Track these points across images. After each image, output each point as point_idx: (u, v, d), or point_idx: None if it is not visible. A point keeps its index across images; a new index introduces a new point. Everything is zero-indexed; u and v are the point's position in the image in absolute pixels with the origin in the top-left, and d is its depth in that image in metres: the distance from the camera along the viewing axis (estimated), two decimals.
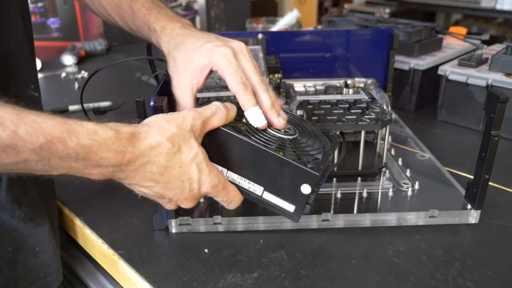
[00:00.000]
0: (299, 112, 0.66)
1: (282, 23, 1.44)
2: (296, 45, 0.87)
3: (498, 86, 0.82)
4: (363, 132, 0.65)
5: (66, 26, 1.54)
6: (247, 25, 1.50)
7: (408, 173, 0.68)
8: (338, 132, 0.62)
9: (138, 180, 0.45)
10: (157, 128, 0.45)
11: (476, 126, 0.89)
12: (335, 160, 0.63)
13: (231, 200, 0.50)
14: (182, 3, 1.78)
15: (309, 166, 0.47)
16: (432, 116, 0.95)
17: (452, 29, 1.17)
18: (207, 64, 0.51)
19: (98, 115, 0.79)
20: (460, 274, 0.50)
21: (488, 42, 1.10)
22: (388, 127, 0.67)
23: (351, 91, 0.76)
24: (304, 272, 0.50)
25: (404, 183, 0.65)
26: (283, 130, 0.52)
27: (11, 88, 0.53)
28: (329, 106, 0.67)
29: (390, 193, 0.63)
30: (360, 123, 0.63)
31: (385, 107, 0.69)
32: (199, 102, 0.59)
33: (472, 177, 0.59)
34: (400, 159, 0.72)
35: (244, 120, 0.51)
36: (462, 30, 1.14)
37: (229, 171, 0.51)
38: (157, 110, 0.49)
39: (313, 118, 0.63)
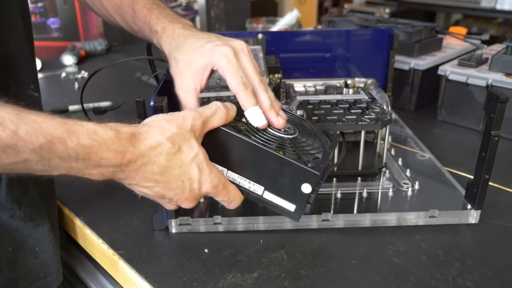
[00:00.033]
0: (299, 112, 0.66)
1: (282, 23, 1.44)
2: (296, 45, 0.87)
3: (498, 86, 0.82)
4: (363, 132, 0.65)
5: (66, 26, 1.54)
6: (247, 25, 1.50)
7: (408, 173, 0.68)
8: (338, 132, 0.62)
9: (139, 181, 0.45)
10: (157, 128, 0.45)
11: (476, 126, 0.89)
12: (335, 160, 0.63)
13: (232, 200, 0.50)
14: (182, 3, 1.78)
15: (309, 165, 0.48)
16: (432, 116, 0.95)
17: (452, 29, 1.17)
18: (208, 64, 0.51)
19: (98, 115, 0.79)
20: (460, 274, 0.50)
21: (488, 42, 1.10)
22: (388, 127, 0.67)
23: (351, 91, 0.76)
24: (304, 272, 0.50)
25: (404, 183, 0.65)
26: (283, 130, 0.52)
27: (11, 88, 0.53)
28: (329, 106, 0.67)
29: (390, 193, 0.63)
30: (360, 123, 0.63)
31: (385, 107, 0.69)
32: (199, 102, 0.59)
33: (472, 177, 0.59)
34: (400, 159, 0.72)
35: (244, 120, 0.51)
36: (462, 30, 1.14)
37: (229, 171, 0.51)
38: (157, 110, 0.49)
39: (313, 118, 0.63)
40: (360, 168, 0.67)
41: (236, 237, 0.56)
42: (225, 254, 0.53)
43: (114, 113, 0.76)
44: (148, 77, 1.12)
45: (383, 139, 0.70)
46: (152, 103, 0.50)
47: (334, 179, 0.66)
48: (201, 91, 0.53)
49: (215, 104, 0.49)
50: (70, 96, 1.08)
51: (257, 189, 0.50)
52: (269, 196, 0.50)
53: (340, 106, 0.67)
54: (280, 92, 0.76)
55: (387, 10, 2.46)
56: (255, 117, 0.50)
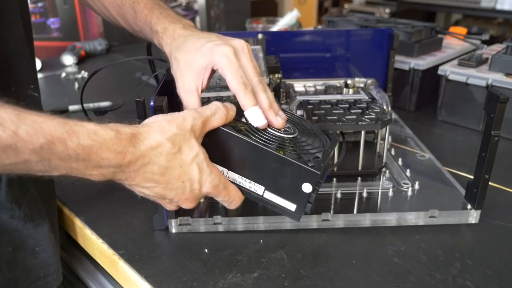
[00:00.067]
0: (299, 112, 0.66)
1: (282, 23, 1.44)
2: (296, 45, 0.87)
3: (498, 86, 0.82)
4: (363, 132, 0.65)
5: (66, 26, 1.54)
6: (247, 25, 1.50)
7: (408, 173, 0.68)
8: (338, 132, 0.62)
9: (139, 181, 0.45)
10: (157, 129, 0.45)
11: (476, 126, 0.89)
12: (335, 160, 0.63)
13: (232, 200, 0.50)
14: (182, 3, 1.78)
15: (310, 164, 0.48)
16: (432, 116, 0.95)
17: (452, 29, 1.17)
18: (208, 64, 0.51)
19: (99, 115, 0.79)
20: (460, 274, 0.50)
21: (488, 42, 1.10)
22: (388, 127, 0.67)
23: (351, 91, 0.76)
24: (304, 272, 0.50)
25: (404, 183, 0.65)
26: (283, 130, 0.52)
27: (11, 88, 0.53)
28: (329, 106, 0.67)
29: (390, 193, 0.63)
30: (360, 123, 0.63)
31: (385, 107, 0.69)
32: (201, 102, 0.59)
33: (472, 177, 0.59)
34: (400, 159, 0.72)
35: (244, 120, 0.51)
36: (462, 30, 1.14)
37: (229, 171, 0.51)
38: (157, 110, 0.49)
39: (313, 118, 0.63)
40: (360, 168, 0.67)
41: (236, 237, 0.56)
42: (225, 254, 0.53)
43: (114, 113, 0.76)
44: (148, 77, 1.12)
45: (383, 139, 0.70)
46: (152, 103, 0.50)
47: (334, 179, 0.66)
48: (203, 91, 0.53)
49: (215, 104, 0.49)
50: (70, 96, 1.08)
51: (257, 189, 0.50)
52: (269, 196, 0.50)
53: (340, 106, 0.67)
54: (280, 92, 0.76)
55: (387, 10, 2.46)
56: (255, 117, 0.50)
